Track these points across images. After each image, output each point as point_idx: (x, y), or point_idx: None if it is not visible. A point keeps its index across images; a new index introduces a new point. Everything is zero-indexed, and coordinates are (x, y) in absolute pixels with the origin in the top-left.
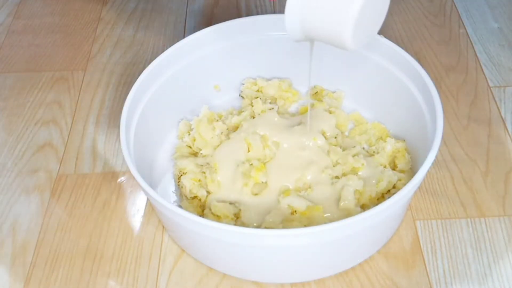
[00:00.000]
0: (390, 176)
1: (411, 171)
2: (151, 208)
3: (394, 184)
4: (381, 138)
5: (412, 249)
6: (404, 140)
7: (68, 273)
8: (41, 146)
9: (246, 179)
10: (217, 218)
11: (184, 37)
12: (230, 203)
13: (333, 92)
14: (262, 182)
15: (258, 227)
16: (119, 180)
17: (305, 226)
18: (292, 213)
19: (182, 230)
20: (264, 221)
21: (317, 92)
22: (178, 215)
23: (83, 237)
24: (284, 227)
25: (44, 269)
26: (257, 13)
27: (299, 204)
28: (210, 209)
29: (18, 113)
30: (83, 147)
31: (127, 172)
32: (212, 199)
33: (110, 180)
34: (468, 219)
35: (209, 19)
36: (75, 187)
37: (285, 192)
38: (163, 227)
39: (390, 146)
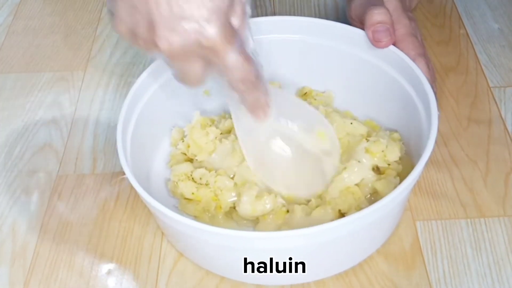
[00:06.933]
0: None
1: (405, 171)
2: None
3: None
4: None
5: (412, 250)
6: (397, 131)
7: (68, 274)
8: (41, 147)
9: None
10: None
11: None
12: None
13: (323, 92)
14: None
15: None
16: (120, 178)
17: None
18: (287, 211)
19: (180, 236)
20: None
21: (306, 93)
22: (176, 221)
23: (83, 237)
24: (281, 223)
25: (44, 269)
26: (257, 14)
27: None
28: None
29: (18, 113)
30: (83, 147)
31: None
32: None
33: (110, 180)
34: (468, 220)
35: None
36: (75, 187)
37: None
38: None
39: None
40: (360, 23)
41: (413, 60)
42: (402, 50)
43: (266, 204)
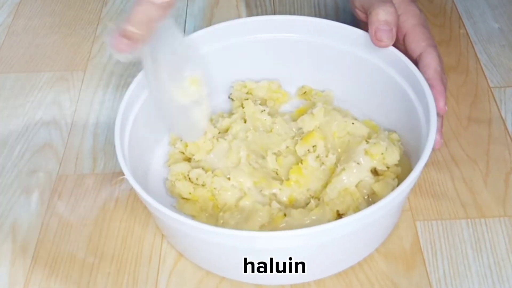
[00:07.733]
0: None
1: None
2: None
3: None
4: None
5: (412, 250)
6: (396, 131)
7: (68, 274)
8: (41, 147)
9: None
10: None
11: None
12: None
13: (322, 92)
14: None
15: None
16: (119, 178)
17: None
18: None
19: (179, 236)
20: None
21: (305, 92)
22: (176, 220)
23: (83, 237)
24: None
25: (44, 269)
26: (257, 13)
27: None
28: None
29: (18, 113)
30: (83, 147)
31: None
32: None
33: (110, 180)
34: (468, 220)
35: (209, 19)
36: (75, 187)
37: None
38: None
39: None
40: (363, 13)
41: (424, 51)
42: (413, 41)
43: (258, 218)
